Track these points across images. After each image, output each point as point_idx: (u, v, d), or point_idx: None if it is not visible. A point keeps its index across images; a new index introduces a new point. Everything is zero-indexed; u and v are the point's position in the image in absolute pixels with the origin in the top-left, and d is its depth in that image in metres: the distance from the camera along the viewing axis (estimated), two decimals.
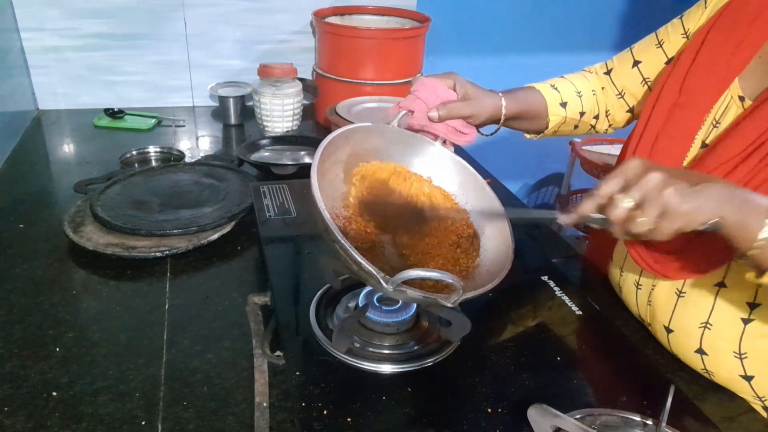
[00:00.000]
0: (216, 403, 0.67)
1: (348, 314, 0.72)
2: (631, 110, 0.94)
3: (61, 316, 0.81)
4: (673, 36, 0.85)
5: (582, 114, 0.94)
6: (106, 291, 0.87)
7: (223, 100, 1.54)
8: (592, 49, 2.04)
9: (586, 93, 0.94)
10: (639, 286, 0.81)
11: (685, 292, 0.74)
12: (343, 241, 0.56)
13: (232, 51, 1.62)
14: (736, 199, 0.53)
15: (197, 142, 1.45)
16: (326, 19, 1.54)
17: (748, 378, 0.72)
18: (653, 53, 0.88)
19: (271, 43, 1.64)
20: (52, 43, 1.49)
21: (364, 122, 0.77)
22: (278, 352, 0.73)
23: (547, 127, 0.93)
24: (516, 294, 0.82)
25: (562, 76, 0.96)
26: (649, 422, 0.60)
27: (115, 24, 1.51)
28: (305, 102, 1.52)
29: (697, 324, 0.73)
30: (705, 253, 0.69)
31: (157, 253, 0.92)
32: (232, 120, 1.56)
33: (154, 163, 1.34)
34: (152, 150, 1.35)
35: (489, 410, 0.61)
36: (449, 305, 0.58)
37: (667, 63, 0.86)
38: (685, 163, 0.75)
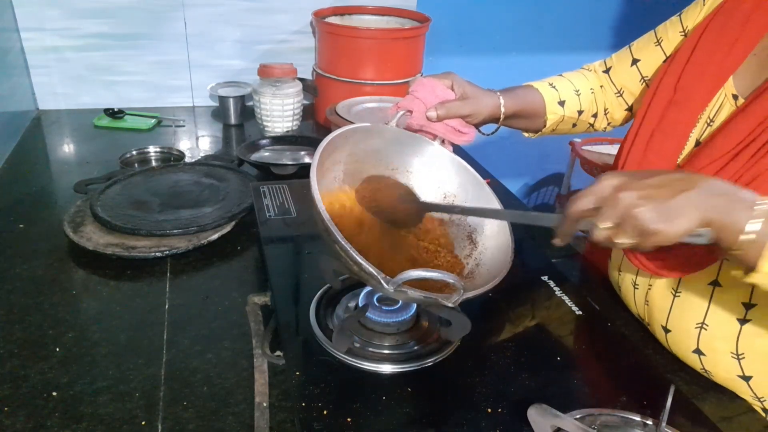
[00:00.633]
0: (216, 403, 0.68)
1: (348, 314, 0.72)
2: (629, 108, 0.94)
3: (61, 316, 0.81)
4: (671, 34, 0.85)
5: (580, 112, 0.94)
6: (106, 291, 0.87)
7: (223, 100, 1.54)
8: (592, 49, 2.04)
9: (584, 91, 0.94)
10: (636, 286, 0.81)
11: (680, 292, 0.74)
12: (343, 242, 0.56)
13: (232, 51, 1.62)
14: (720, 197, 0.51)
15: (197, 142, 1.45)
16: (326, 19, 1.54)
17: (747, 378, 0.72)
18: (652, 51, 0.88)
19: (271, 43, 1.64)
20: (52, 43, 1.48)
21: (364, 122, 0.77)
22: (278, 352, 0.73)
23: (545, 126, 0.93)
24: (516, 294, 0.82)
25: (561, 75, 0.96)
26: (649, 422, 0.60)
27: (115, 24, 1.51)
28: (305, 102, 1.52)
29: (694, 324, 0.73)
30: (697, 250, 0.69)
31: (157, 253, 0.92)
32: (232, 120, 1.56)
33: (154, 163, 1.34)
34: (152, 150, 1.35)
35: (489, 410, 0.61)
36: (450, 305, 0.58)
37: (665, 61, 0.86)
38: (678, 161, 0.75)
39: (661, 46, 0.86)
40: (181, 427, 0.64)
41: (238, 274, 0.93)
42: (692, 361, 0.76)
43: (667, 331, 0.77)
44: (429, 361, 0.67)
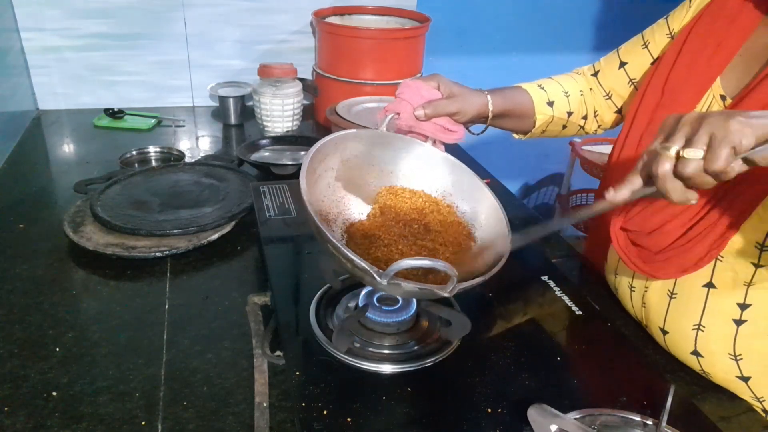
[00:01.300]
0: (216, 403, 0.68)
1: (348, 314, 0.72)
2: (619, 111, 0.95)
3: (61, 316, 0.81)
4: (658, 36, 0.86)
5: (569, 114, 0.94)
6: (106, 291, 0.87)
7: (223, 100, 1.54)
8: (592, 49, 2.04)
9: (573, 93, 0.94)
10: (633, 289, 0.81)
11: (676, 294, 0.74)
12: (333, 240, 0.57)
13: (232, 51, 1.62)
14: None
15: (197, 142, 1.45)
16: (326, 19, 1.54)
17: (745, 379, 0.72)
18: (639, 54, 0.88)
19: (271, 43, 1.64)
20: (52, 43, 1.48)
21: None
22: (278, 352, 0.73)
23: (534, 126, 0.93)
24: (516, 294, 0.82)
25: (550, 77, 0.96)
26: (649, 422, 0.60)
27: (115, 24, 1.51)
28: (305, 102, 1.52)
29: (690, 326, 0.73)
30: (690, 251, 0.69)
31: (157, 253, 0.92)
32: (232, 120, 1.56)
33: (154, 163, 1.34)
34: (152, 150, 1.35)
35: (489, 410, 0.61)
36: (446, 294, 0.58)
37: (653, 63, 0.86)
38: None
39: (648, 49, 0.87)
40: (181, 427, 0.64)
41: (238, 274, 0.93)
42: (691, 362, 0.76)
43: (664, 332, 0.77)
44: (429, 361, 0.67)
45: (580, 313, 0.77)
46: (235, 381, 0.71)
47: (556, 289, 0.82)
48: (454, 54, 1.95)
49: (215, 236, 0.98)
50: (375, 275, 0.56)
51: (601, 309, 0.80)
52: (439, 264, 0.56)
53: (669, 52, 0.78)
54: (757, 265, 0.66)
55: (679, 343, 0.76)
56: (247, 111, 1.56)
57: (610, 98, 0.94)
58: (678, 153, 0.50)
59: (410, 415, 0.61)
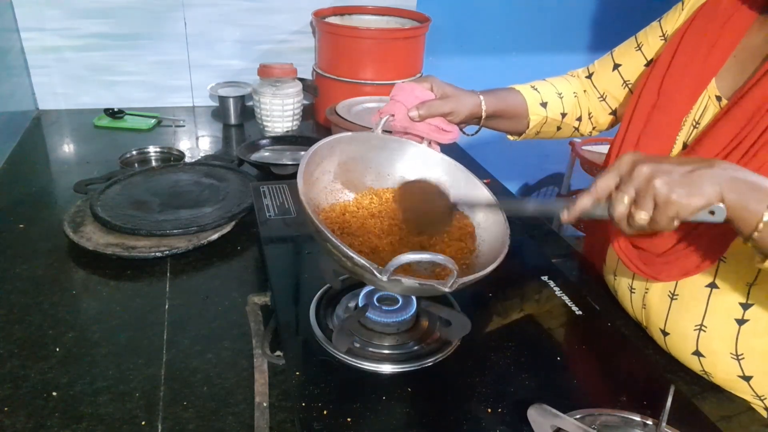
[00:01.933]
0: (216, 403, 0.68)
1: (348, 314, 0.72)
2: (613, 113, 0.96)
3: (61, 316, 0.81)
4: (651, 38, 0.86)
5: (563, 115, 0.94)
6: (106, 291, 0.87)
7: (223, 100, 1.54)
8: (591, 49, 2.04)
9: (567, 95, 0.95)
10: (633, 290, 0.81)
11: (677, 295, 0.74)
12: (333, 238, 0.57)
13: (232, 51, 1.62)
14: (738, 180, 0.51)
15: (197, 142, 1.45)
16: (326, 19, 1.54)
17: (747, 378, 0.72)
18: (632, 56, 0.89)
19: (271, 43, 1.64)
20: (52, 43, 1.48)
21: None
22: (278, 352, 0.73)
23: (528, 127, 0.93)
24: (516, 294, 0.82)
25: (544, 79, 0.97)
26: (649, 422, 0.60)
27: (115, 24, 1.51)
28: (305, 102, 1.52)
29: (692, 326, 0.73)
30: (693, 253, 0.69)
31: (157, 253, 0.92)
32: (232, 120, 1.56)
33: (154, 163, 1.34)
34: (152, 150, 1.35)
35: (489, 410, 0.61)
36: (446, 290, 0.58)
37: (646, 65, 0.87)
38: None
39: (641, 51, 0.88)
40: (181, 427, 0.64)
41: (238, 274, 0.93)
42: (692, 363, 0.76)
43: (665, 334, 0.77)
44: (429, 361, 0.67)
45: (580, 313, 0.77)
46: (235, 381, 0.71)
47: (556, 289, 0.82)
48: (454, 54, 1.95)
49: (215, 236, 0.98)
50: (375, 271, 0.56)
51: (601, 309, 0.80)
52: (439, 258, 0.56)
53: (664, 53, 0.78)
54: None
55: (681, 344, 0.76)
56: (247, 111, 1.56)
57: (604, 100, 0.95)
58: (630, 203, 0.53)
59: (410, 415, 0.61)
